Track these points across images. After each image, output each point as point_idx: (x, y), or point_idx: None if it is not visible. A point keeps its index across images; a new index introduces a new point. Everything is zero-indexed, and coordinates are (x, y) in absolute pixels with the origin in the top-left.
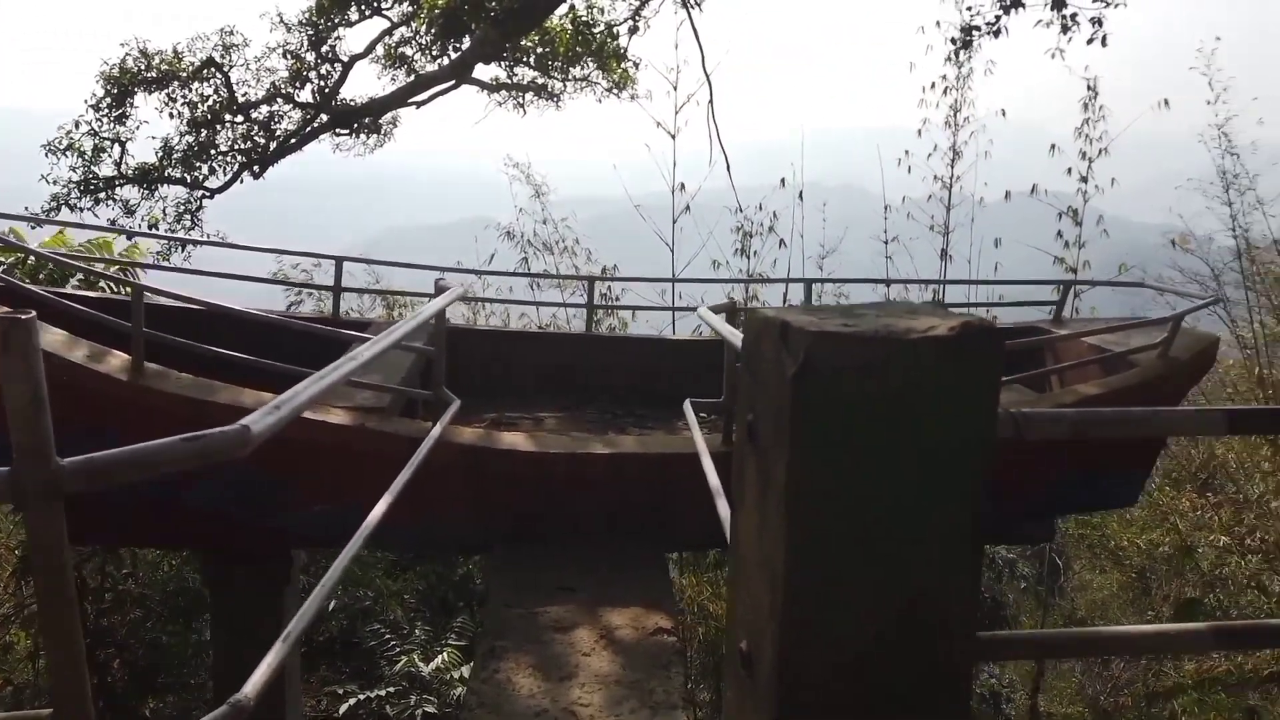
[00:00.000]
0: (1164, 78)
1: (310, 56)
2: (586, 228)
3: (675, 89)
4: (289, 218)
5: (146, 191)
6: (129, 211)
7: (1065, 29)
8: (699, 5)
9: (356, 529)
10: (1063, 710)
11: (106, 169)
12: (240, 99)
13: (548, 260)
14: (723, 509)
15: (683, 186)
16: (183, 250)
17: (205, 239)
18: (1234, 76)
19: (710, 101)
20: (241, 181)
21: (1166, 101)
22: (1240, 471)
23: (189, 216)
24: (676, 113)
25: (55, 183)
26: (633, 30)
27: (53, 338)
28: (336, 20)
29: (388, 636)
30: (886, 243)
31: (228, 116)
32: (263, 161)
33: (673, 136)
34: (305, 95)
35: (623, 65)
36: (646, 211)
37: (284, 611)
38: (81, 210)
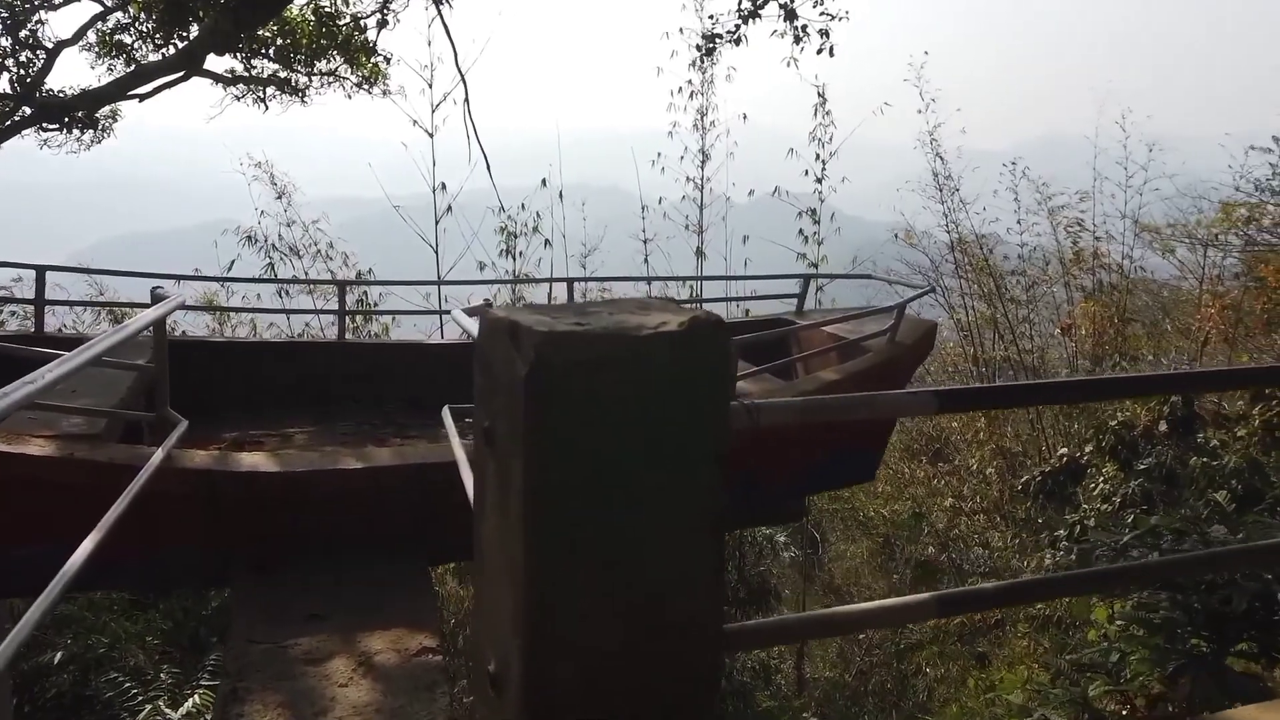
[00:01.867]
0: (888, 86)
1: (6, 42)
2: (343, 231)
3: (430, 86)
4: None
5: None
6: None
7: (797, 39)
8: (449, 2)
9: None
10: (826, 674)
11: None
12: None
13: (296, 265)
14: None
15: (443, 186)
16: None
17: None
18: (941, 89)
19: (466, 100)
20: None
21: (885, 105)
22: (961, 442)
23: None
24: (433, 110)
25: None
26: (381, 24)
27: None
28: (36, 2)
29: (127, 685)
30: (645, 241)
31: None
32: None
33: (430, 135)
34: (3, 85)
35: (372, 60)
36: (408, 213)
37: None
38: None
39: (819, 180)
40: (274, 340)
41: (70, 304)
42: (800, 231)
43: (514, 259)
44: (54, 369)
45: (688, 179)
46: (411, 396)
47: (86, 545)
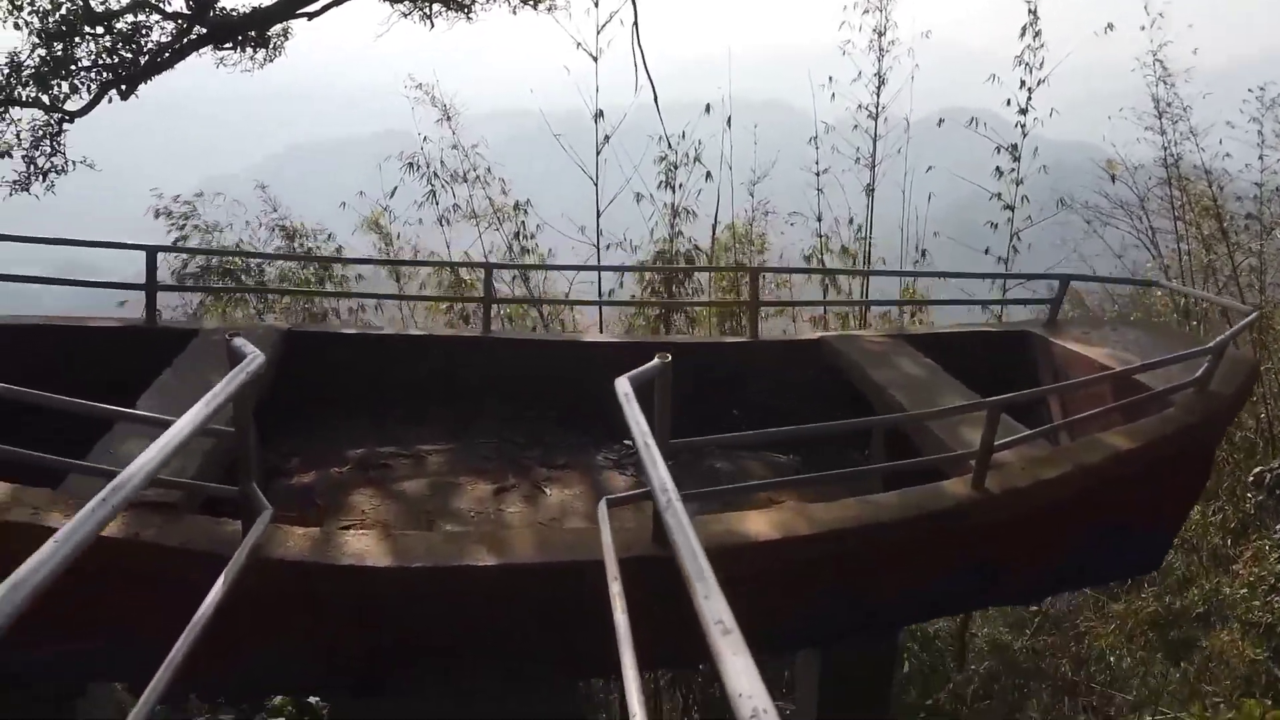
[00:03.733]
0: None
1: None
2: (501, 154)
3: (596, 5)
4: (175, 138)
5: None
6: None
7: None
8: None
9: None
10: (998, 635)
11: None
12: (99, 8)
13: (458, 192)
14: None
15: (601, 114)
16: (43, 179)
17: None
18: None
19: (635, 24)
20: (110, 101)
21: (1111, 26)
22: None
23: (49, 141)
24: (599, 32)
25: None
26: None
27: None
28: None
29: None
30: (819, 174)
31: (85, 28)
32: (131, 79)
33: (594, 59)
34: (177, 4)
35: None
36: (568, 139)
37: None
38: None
39: (1023, 111)
40: (410, 332)
41: (185, 289)
42: (997, 169)
43: (673, 191)
44: (148, 453)
45: (860, 106)
46: (561, 403)
47: (172, 659)
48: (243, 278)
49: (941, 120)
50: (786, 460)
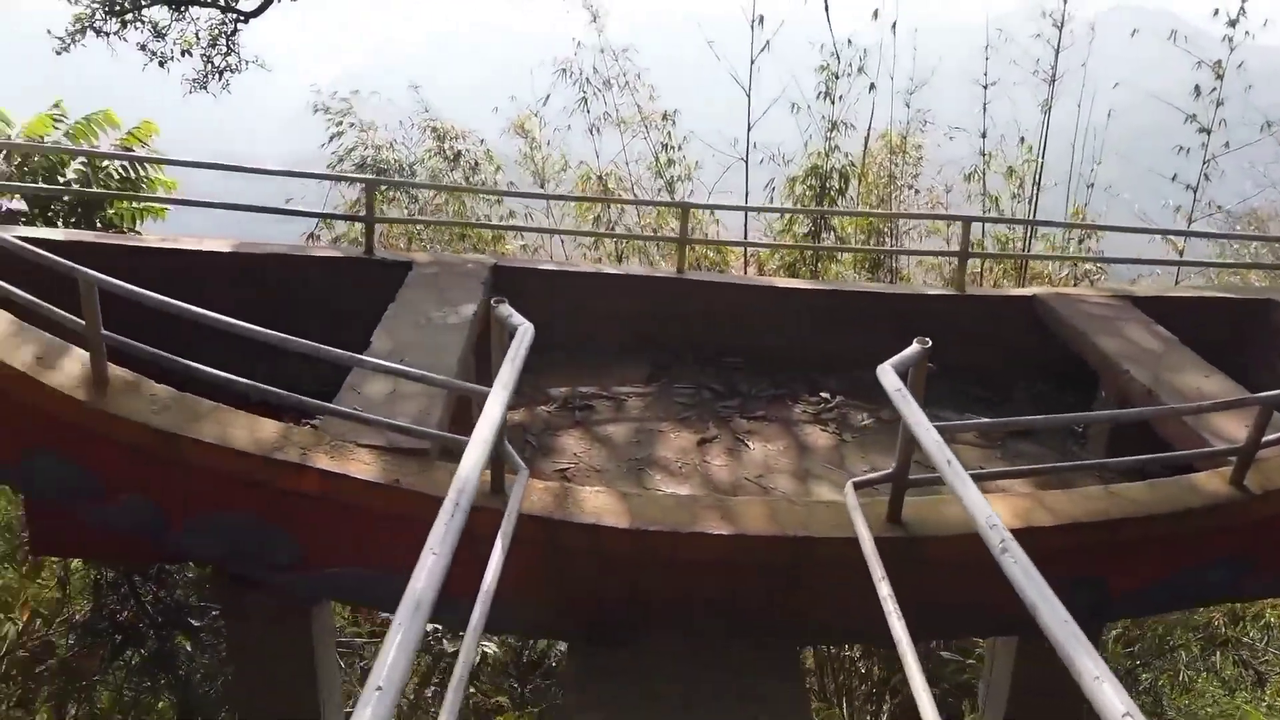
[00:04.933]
0: None
1: None
2: (651, 60)
3: None
4: (325, 31)
5: (176, 13)
6: (159, 34)
7: None
8: None
9: (387, 594)
10: None
11: None
12: None
13: (608, 100)
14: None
15: (761, 20)
16: (220, 79)
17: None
18: None
19: None
20: (279, 1)
21: None
22: None
23: (224, 41)
24: None
25: (77, 2)
26: None
27: None
28: None
29: None
30: (986, 87)
31: None
32: None
33: None
34: None
35: None
36: (721, 46)
37: (316, 667)
38: (108, 35)
39: (1232, 23)
40: (610, 270)
41: (400, 221)
42: (1195, 88)
43: (832, 103)
44: (474, 468)
45: (1044, 14)
46: (752, 347)
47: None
48: (396, 177)
49: (1135, 31)
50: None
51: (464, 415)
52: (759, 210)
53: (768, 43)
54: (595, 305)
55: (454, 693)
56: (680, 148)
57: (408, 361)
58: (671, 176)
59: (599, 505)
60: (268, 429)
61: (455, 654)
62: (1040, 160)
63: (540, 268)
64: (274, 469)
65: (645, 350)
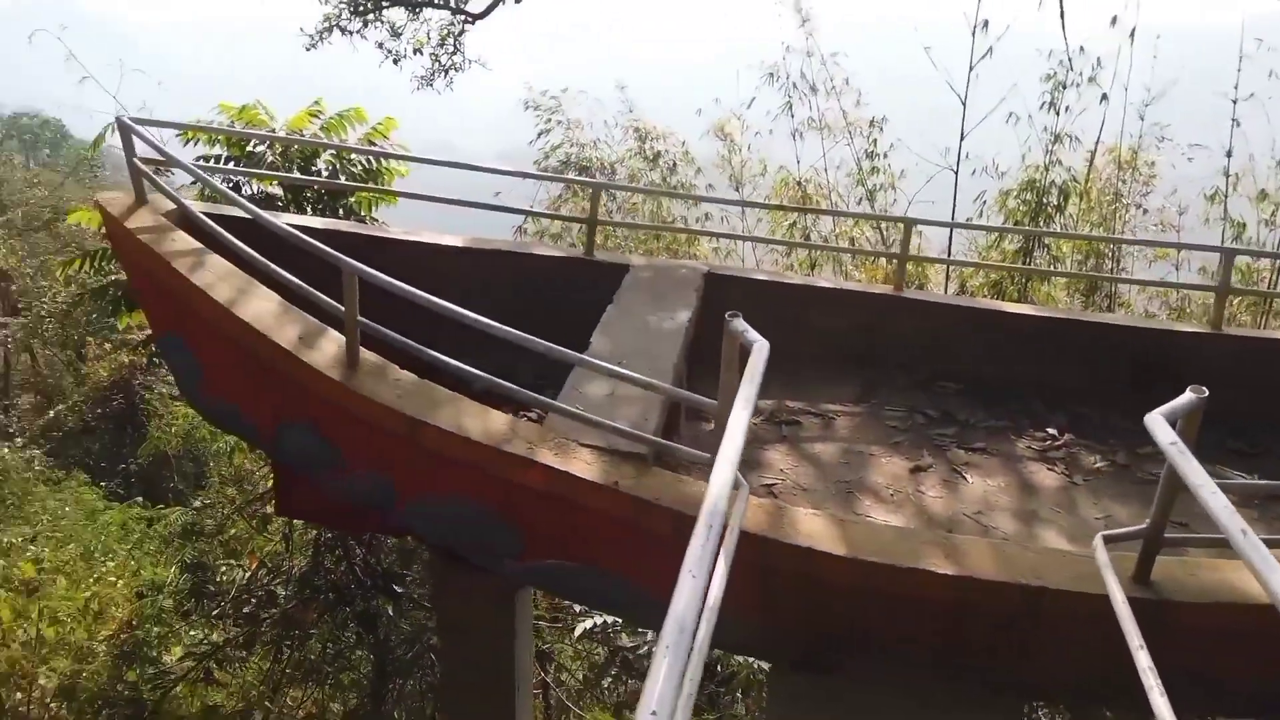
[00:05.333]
0: None
1: None
2: (860, 65)
3: None
4: (537, 30)
5: (412, 14)
6: (395, 34)
7: None
8: None
9: (594, 590)
10: None
11: None
12: None
13: (813, 104)
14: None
15: (985, 25)
16: (445, 76)
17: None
18: None
19: None
20: (503, 3)
21: None
22: None
23: (451, 40)
24: None
25: (326, 2)
26: None
27: (260, 308)
28: None
29: None
30: (1235, 102)
31: None
32: None
33: None
34: None
35: None
36: (938, 51)
37: (515, 651)
38: (351, 34)
39: None
40: (823, 284)
41: (624, 225)
42: None
43: (1057, 114)
44: (724, 487)
45: None
46: (970, 375)
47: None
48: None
49: None
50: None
51: (672, 421)
52: (983, 229)
53: (990, 49)
54: (806, 318)
55: (685, 702)
56: (885, 156)
57: (626, 364)
58: (873, 185)
59: (814, 529)
60: (497, 421)
61: (632, 648)
62: None
63: (752, 277)
64: (502, 460)
65: (855, 368)
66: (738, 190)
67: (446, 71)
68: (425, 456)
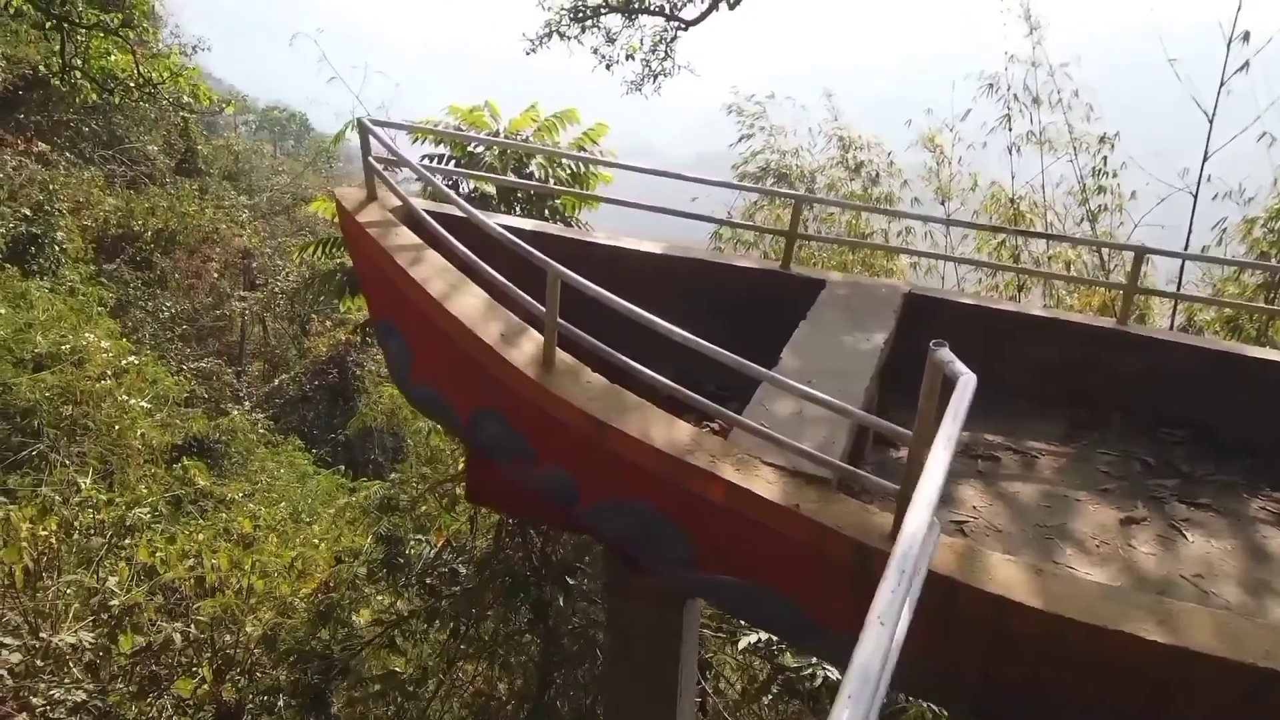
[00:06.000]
0: None
1: None
2: (1093, 76)
3: None
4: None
5: (627, 20)
6: (610, 40)
7: None
8: None
9: (761, 609)
10: None
11: None
12: None
13: (1033, 117)
14: None
15: (1246, 36)
16: (654, 81)
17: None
18: None
19: None
20: (717, 10)
21: None
22: None
23: (664, 47)
24: None
25: (549, 9)
26: None
27: (468, 304)
28: None
29: None
30: None
31: None
32: None
33: None
34: None
35: None
36: (1185, 64)
37: (680, 657)
38: (569, 39)
39: None
40: (1034, 312)
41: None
42: None
43: None
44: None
45: None
46: (1202, 422)
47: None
48: (795, 184)
49: None
50: None
51: (859, 446)
52: (1224, 262)
53: (1247, 62)
54: (1014, 348)
55: None
56: (1115, 175)
57: (815, 384)
58: (1098, 206)
59: (1009, 577)
60: (682, 431)
61: (795, 668)
62: None
63: (956, 300)
64: (684, 471)
65: (1066, 405)
66: (944, 205)
67: (656, 77)
68: (610, 459)
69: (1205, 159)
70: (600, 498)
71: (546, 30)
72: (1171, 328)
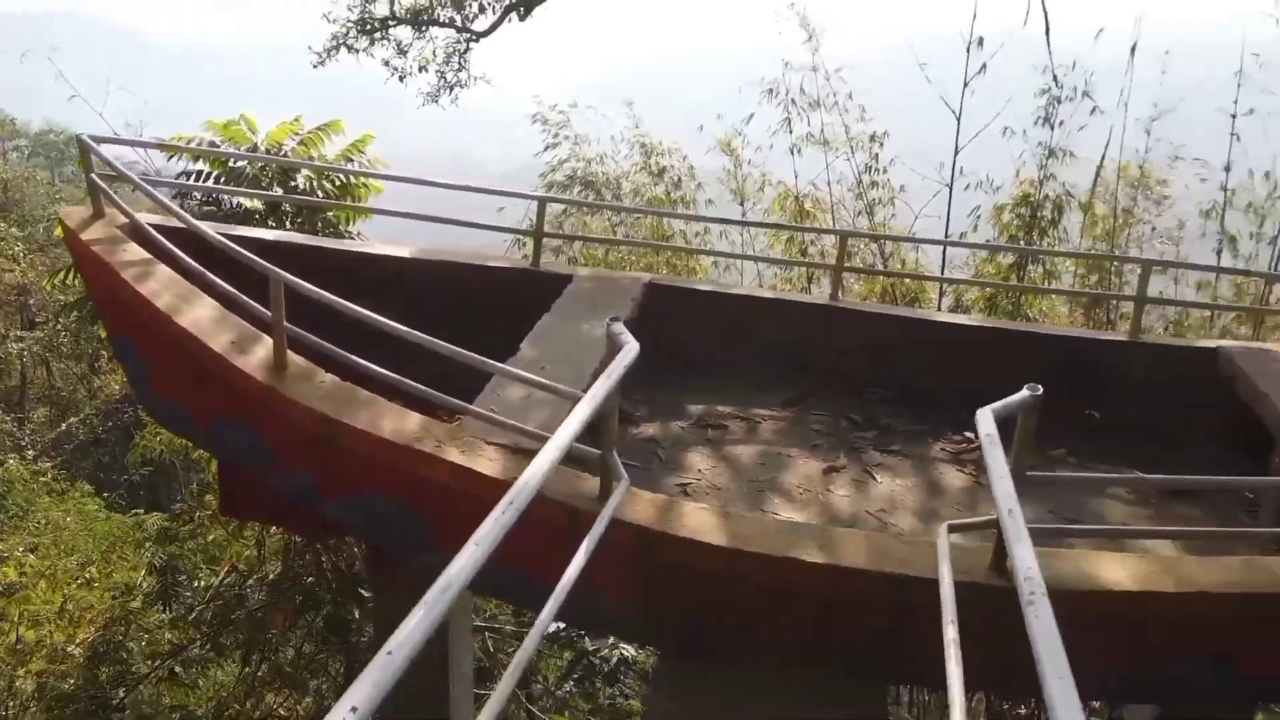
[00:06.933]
0: None
1: None
2: (859, 80)
3: None
4: (548, 44)
5: (418, 33)
6: (401, 52)
7: None
8: None
9: (498, 582)
10: None
11: (381, 8)
12: None
13: (813, 120)
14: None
15: (980, 42)
16: (450, 93)
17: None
18: None
19: None
20: (510, 21)
21: None
22: None
23: (457, 59)
24: None
25: (334, 21)
26: None
27: (199, 316)
28: None
29: None
30: (1234, 116)
31: None
32: (528, 3)
33: None
34: None
35: None
36: (934, 68)
37: (450, 645)
38: (357, 52)
39: None
40: (763, 294)
41: (565, 237)
42: None
43: (1052, 128)
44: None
45: None
46: (900, 381)
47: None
48: (602, 191)
49: None
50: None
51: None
52: (931, 243)
53: (984, 65)
54: (745, 327)
55: (510, 674)
56: (885, 171)
57: (548, 371)
58: (872, 200)
59: (699, 523)
60: (411, 421)
61: (595, 650)
62: None
63: (694, 288)
64: (411, 457)
65: (792, 376)
66: (742, 204)
67: (452, 88)
68: (343, 455)
69: (956, 153)
70: (342, 495)
71: (334, 43)
72: (939, 309)
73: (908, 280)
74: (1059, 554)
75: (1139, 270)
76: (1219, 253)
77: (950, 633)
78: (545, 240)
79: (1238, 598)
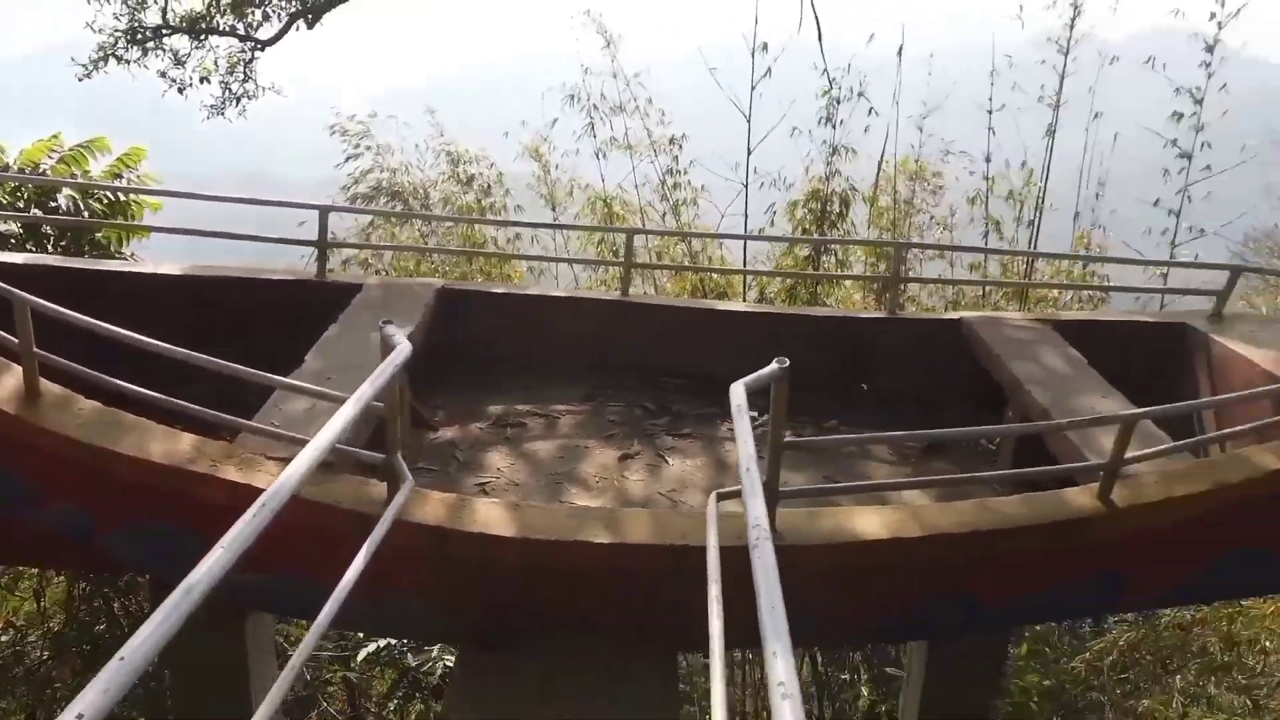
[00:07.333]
0: None
1: None
2: (657, 88)
3: None
4: (353, 53)
5: (196, 42)
6: (178, 62)
7: None
8: None
9: (287, 597)
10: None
11: (153, 16)
12: None
13: (616, 125)
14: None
15: (765, 47)
16: (237, 104)
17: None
18: None
19: None
20: (297, 29)
21: None
22: None
23: (242, 69)
24: None
25: (100, 31)
26: None
27: None
28: None
29: None
30: (991, 112)
31: None
32: (316, 10)
33: None
34: None
35: None
36: (723, 73)
37: (250, 674)
38: (129, 63)
39: (1209, 48)
40: (557, 293)
41: (354, 246)
42: (1175, 114)
43: (834, 127)
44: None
45: (1050, 40)
46: (694, 369)
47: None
48: (410, 201)
49: (1152, 59)
50: (912, 446)
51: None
52: (699, 236)
53: (769, 69)
54: (541, 327)
55: (286, 674)
56: (686, 172)
57: (335, 380)
58: (677, 200)
59: (489, 516)
60: (183, 442)
61: (418, 666)
62: (1043, 185)
63: (488, 290)
64: (185, 479)
65: (589, 371)
66: (553, 209)
67: (239, 100)
68: (112, 483)
69: (749, 154)
70: (115, 527)
71: (101, 54)
72: (744, 299)
73: (715, 275)
74: (823, 512)
75: (921, 255)
76: (985, 235)
77: (714, 591)
78: (353, 254)
79: (969, 536)
